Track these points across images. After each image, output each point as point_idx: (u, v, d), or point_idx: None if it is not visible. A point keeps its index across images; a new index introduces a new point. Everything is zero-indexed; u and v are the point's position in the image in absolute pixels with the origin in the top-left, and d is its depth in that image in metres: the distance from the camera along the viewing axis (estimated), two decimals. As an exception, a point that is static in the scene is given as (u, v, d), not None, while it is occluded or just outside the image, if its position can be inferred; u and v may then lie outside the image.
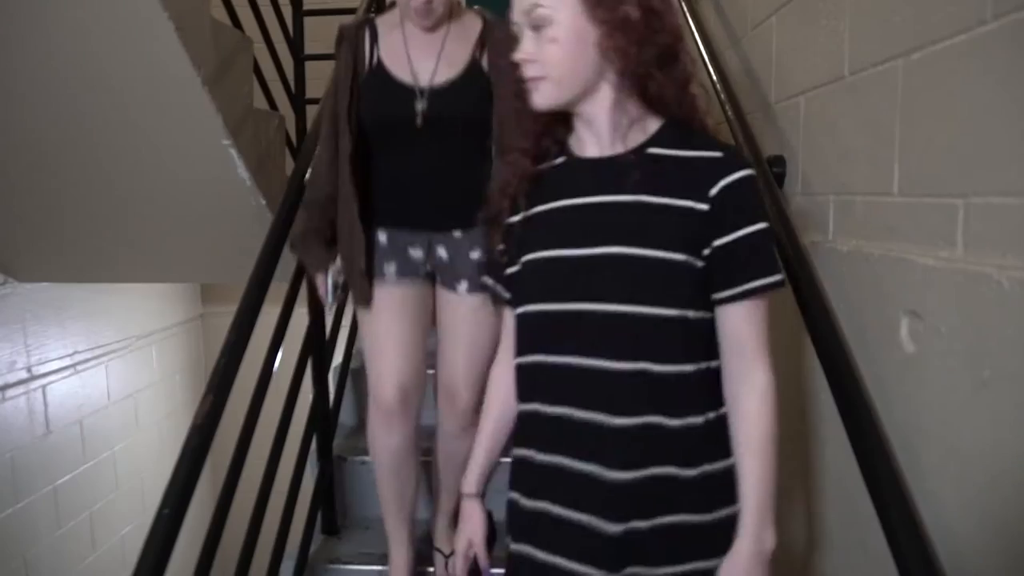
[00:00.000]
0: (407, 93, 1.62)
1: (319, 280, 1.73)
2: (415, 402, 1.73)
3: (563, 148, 1.14)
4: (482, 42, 1.66)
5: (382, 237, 1.69)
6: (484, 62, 1.65)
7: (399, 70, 1.65)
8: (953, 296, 1.03)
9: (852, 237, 1.35)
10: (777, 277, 1.03)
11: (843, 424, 1.14)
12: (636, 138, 1.06)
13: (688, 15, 2.17)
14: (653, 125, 1.07)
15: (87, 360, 3.04)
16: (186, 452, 1.31)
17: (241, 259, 1.96)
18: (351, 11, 2.49)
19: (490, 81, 1.63)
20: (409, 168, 1.66)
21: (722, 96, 1.85)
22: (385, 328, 1.69)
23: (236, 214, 2.23)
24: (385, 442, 1.73)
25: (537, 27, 1.01)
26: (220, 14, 2.24)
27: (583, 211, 1.07)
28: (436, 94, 1.62)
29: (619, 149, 1.06)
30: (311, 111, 2.98)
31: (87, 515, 3.05)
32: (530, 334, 1.12)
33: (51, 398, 2.83)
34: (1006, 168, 0.94)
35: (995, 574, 0.96)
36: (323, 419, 2.16)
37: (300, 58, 2.99)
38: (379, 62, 1.66)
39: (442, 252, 1.69)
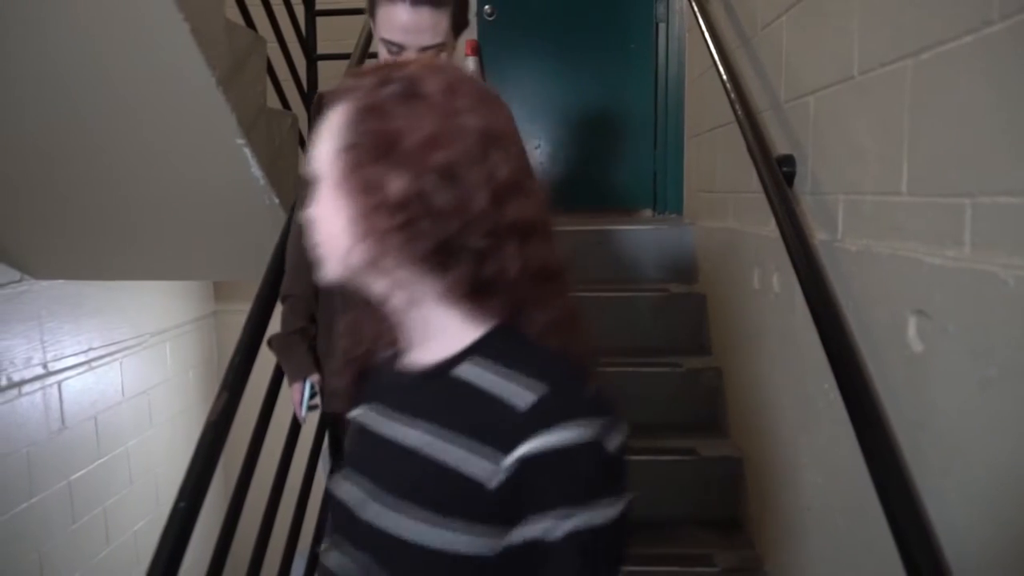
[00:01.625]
0: None
1: (296, 388, 1.54)
2: None
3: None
4: None
5: None
6: None
7: None
8: (960, 295, 1.03)
9: (861, 236, 1.36)
10: None
11: (850, 421, 1.15)
12: (446, 346, 0.76)
13: (698, 15, 2.18)
14: (476, 330, 0.76)
15: (102, 356, 3.07)
16: (201, 447, 1.33)
17: (254, 257, 1.98)
18: (363, 11, 2.50)
19: None
20: None
21: (732, 96, 1.86)
22: None
23: (249, 212, 2.25)
24: None
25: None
26: (233, 14, 2.26)
27: (373, 440, 0.81)
28: None
29: (422, 358, 0.78)
30: (323, 110, 3.00)
31: (101, 510, 3.08)
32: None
33: (66, 394, 2.86)
34: (1013, 168, 0.94)
35: (999, 570, 0.96)
36: (335, 415, 2.18)
37: (313, 58, 3.02)
38: None
39: None
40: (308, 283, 1.53)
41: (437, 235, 0.69)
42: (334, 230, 0.74)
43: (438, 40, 1.35)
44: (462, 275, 0.71)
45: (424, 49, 1.35)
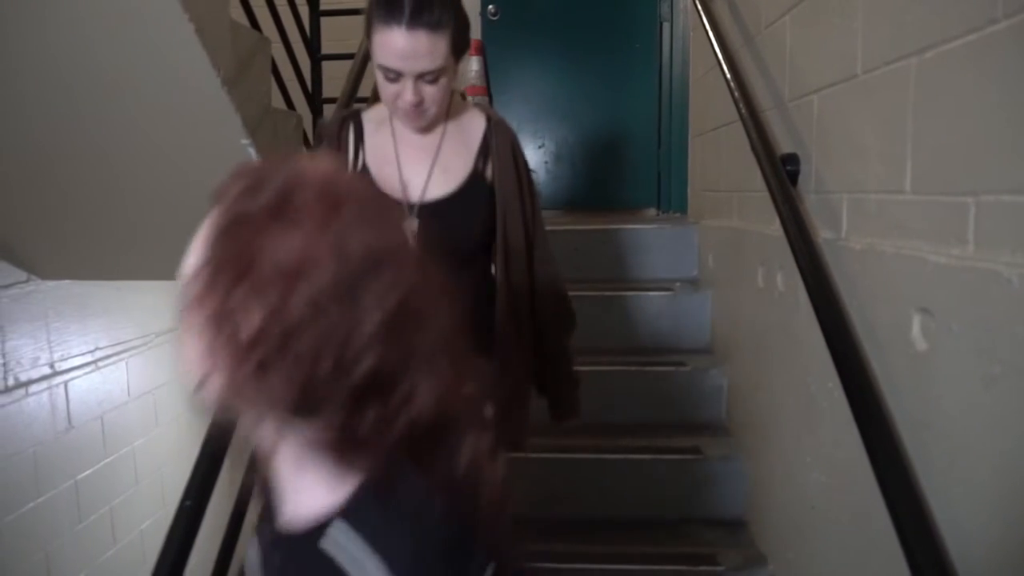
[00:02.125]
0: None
1: None
2: None
3: None
4: (485, 147, 1.42)
5: None
6: (488, 171, 1.42)
7: (386, 180, 1.39)
8: (964, 293, 1.03)
9: (865, 235, 1.36)
10: None
11: (854, 420, 1.15)
12: (313, 504, 0.63)
13: (702, 14, 2.18)
14: (346, 487, 0.63)
15: (108, 357, 3.08)
16: (207, 446, 1.34)
17: (259, 257, 1.98)
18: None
19: (494, 197, 1.41)
20: None
21: (736, 95, 1.86)
22: None
23: (254, 213, 2.26)
24: None
25: None
26: (238, 14, 2.27)
27: None
28: (429, 211, 1.37)
29: (289, 513, 0.66)
30: (328, 111, 3.02)
31: (107, 509, 3.09)
32: None
33: (73, 394, 2.87)
34: (1017, 166, 0.94)
35: (1006, 569, 0.96)
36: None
37: (317, 58, 3.03)
38: (364, 168, 1.42)
39: None
40: None
41: (300, 378, 0.56)
42: (190, 356, 0.61)
43: (436, 65, 1.26)
44: (332, 423, 0.58)
45: (422, 75, 1.26)
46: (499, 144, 1.41)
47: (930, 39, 1.12)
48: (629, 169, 3.83)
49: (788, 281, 1.74)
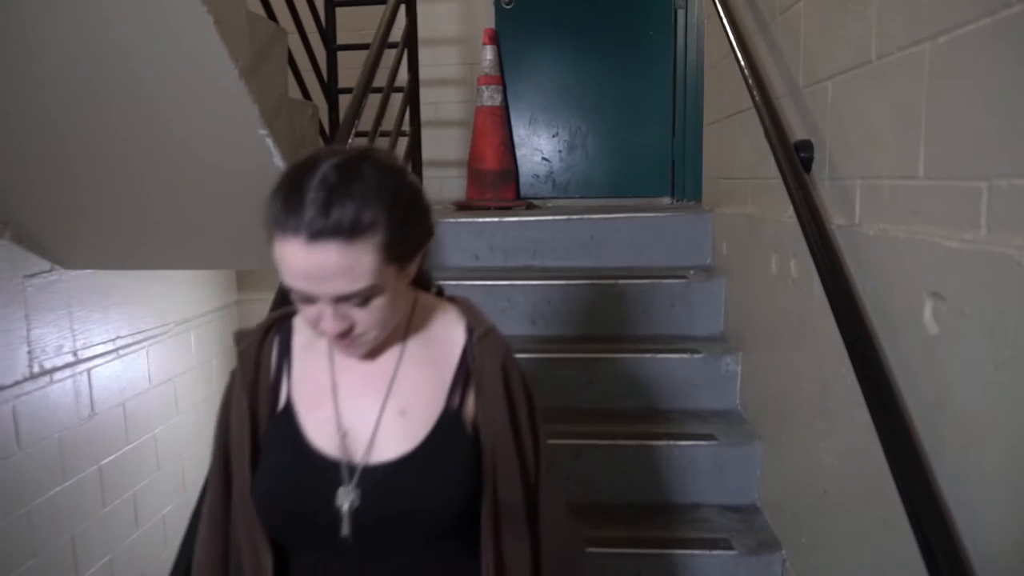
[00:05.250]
0: (328, 472, 0.93)
1: None
2: None
3: None
4: (464, 371, 0.99)
5: None
6: (468, 407, 0.98)
7: (317, 428, 0.96)
8: (976, 278, 1.04)
9: (878, 221, 1.36)
10: None
11: (866, 404, 1.16)
12: None
13: (717, 1, 2.18)
14: None
15: (129, 345, 3.13)
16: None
17: (277, 246, 2.00)
18: (382, 1, 2.52)
19: (479, 443, 0.96)
20: None
21: (750, 81, 1.86)
22: None
23: (271, 202, 2.28)
24: None
25: None
26: (255, 5, 2.29)
27: None
28: (378, 478, 0.92)
29: None
30: (344, 100, 3.04)
31: (131, 494, 3.15)
32: None
33: (95, 381, 2.92)
34: (1029, 151, 0.95)
35: (1015, 551, 0.97)
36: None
37: (332, 48, 3.05)
38: (288, 407, 0.98)
39: None
40: (222, 545, 1.01)
41: None
42: None
43: (360, 285, 0.85)
44: None
45: (341, 299, 0.86)
46: (485, 366, 0.97)
47: (944, 24, 1.12)
48: (643, 157, 3.83)
49: (802, 268, 1.75)
